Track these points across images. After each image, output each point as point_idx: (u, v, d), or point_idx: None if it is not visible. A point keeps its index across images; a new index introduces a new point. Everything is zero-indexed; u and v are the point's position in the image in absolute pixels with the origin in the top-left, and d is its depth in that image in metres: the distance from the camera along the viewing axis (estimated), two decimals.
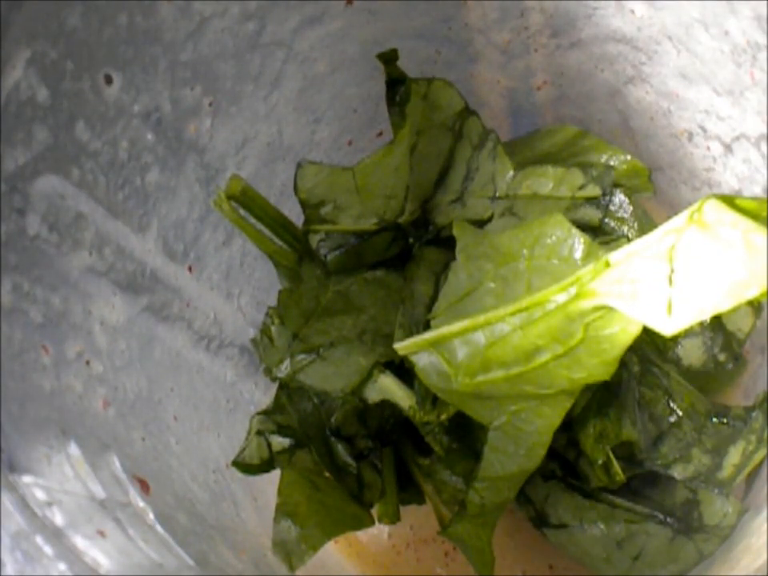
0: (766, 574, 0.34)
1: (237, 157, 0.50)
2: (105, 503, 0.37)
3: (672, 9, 0.47)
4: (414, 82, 0.50)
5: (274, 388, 0.51)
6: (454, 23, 0.53)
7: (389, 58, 0.50)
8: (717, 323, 0.51)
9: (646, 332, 0.37)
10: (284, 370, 0.47)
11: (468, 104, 0.52)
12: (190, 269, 0.49)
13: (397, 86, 0.51)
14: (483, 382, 0.41)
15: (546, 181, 0.50)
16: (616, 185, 0.50)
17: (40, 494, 0.33)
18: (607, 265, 0.37)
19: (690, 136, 0.53)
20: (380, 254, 0.51)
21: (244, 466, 0.47)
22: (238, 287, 0.53)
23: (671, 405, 0.47)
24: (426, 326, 0.45)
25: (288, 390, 0.49)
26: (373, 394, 0.47)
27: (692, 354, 0.50)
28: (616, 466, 0.45)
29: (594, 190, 0.50)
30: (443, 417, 0.45)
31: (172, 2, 0.42)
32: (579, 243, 0.42)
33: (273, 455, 0.48)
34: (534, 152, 0.54)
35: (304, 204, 0.48)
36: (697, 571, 0.45)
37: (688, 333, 0.50)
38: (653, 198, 0.55)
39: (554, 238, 0.42)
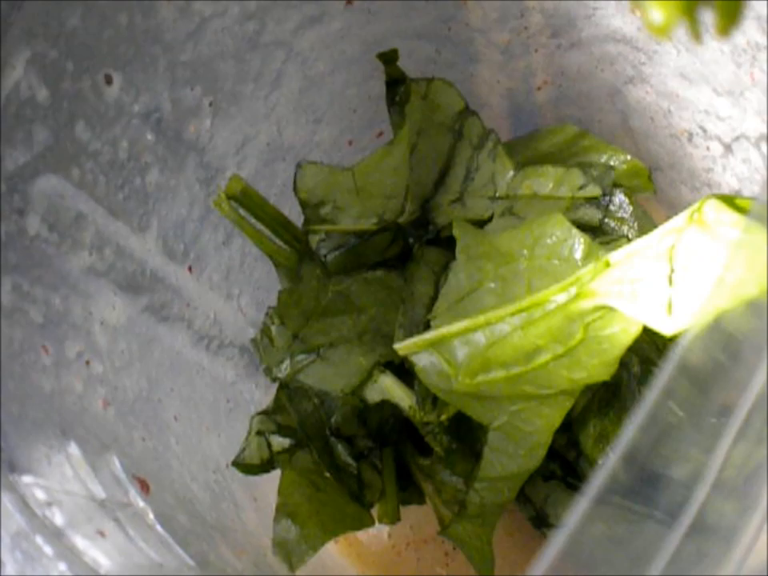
0: (766, 574, 0.34)
1: (237, 157, 0.50)
2: (105, 503, 0.37)
3: None
4: (413, 82, 0.50)
5: (273, 388, 0.51)
6: (454, 23, 0.53)
7: (389, 58, 0.50)
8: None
9: (646, 332, 0.37)
10: (284, 370, 0.47)
11: (468, 104, 0.52)
12: (189, 269, 0.49)
13: (397, 86, 0.51)
14: (483, 382, 0.42)
15: (546, 181, 0.50)
16: (616, 185, 0.50)
17: (40, 494, 0.33)
18: (607, 265, 0.37)
19: (690, 136, 0.53)
20: (380, 253, 0.51)
21: (244, 467, 0.47)
22: (238, 287, 0.53)
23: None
24: (426, 326, 0.45)
25: (288, 389, 0.49)
26: (373, 394, 0.47)
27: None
28: None
29: (593, 190, 0.50)
30: (443, 417, 0.45)
31: (172, 1, 0.42)
32: (579, 243, 0.42)
33: (273, 455, 0.48)
34: (533, 152, 0.54)
35: (304, 204, 0.48)
36: (697, 571, 0.45)
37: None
38: (653, 197, 0.55)
39: (553, 238, 0.42)
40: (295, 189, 0.48)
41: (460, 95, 0.51)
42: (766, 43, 0.42)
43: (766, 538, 0.38)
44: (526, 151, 0.55)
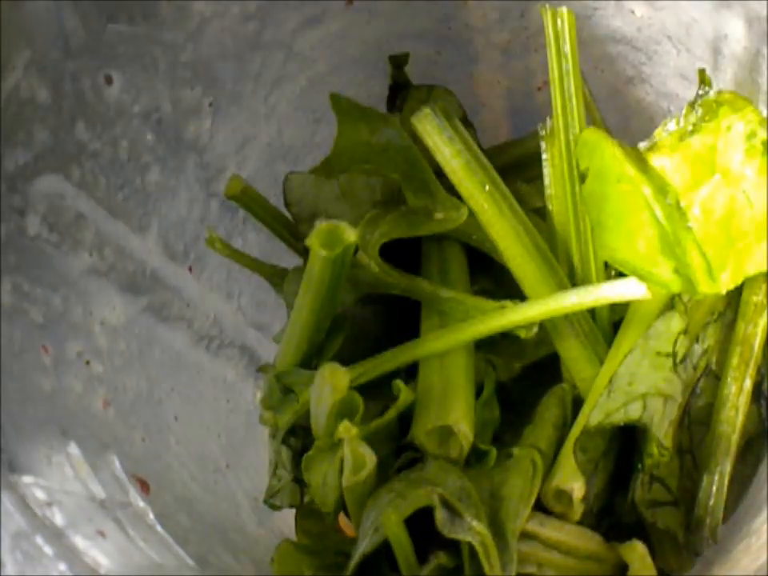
0: (766, 574, 0.34)
1: (237, 157, 0.50)
2: (105, 503, 0.37)
3: (672, 9, 0.47)
4: (415, 88, 0.50)
5: None
6: (454, 23, 0.53)
7: (399, 62, 0.50)
8: None
9: None
10: None
11: (467, 114, 0.52)
12: (190, 269, 0.49)
13: (400, 91, 0.51)
14: None
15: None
16: None
17: (40, 494, 0.33)
18: None
19: None
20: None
21: (272, 506, 0.47)
22: (238, 287, 0.53)
23: None
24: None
25: None
26: None
27: None
28: None
29: None
30: None
31: (172, 1, 0.42)
32: None
33: (303, 502, 0.47)
34: (508, 157, 0.54)
35: (296, 218, 0.48)
36: (696, 571, 0.45)
37: None
38: None
39: None
40: (286, 203, 0.48)
41: (460, 105, 0.52)
42: (765, 45, 0.42)
43: (765, 538, 0.38)
44: (504, 156, 0.54)
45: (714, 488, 0.43)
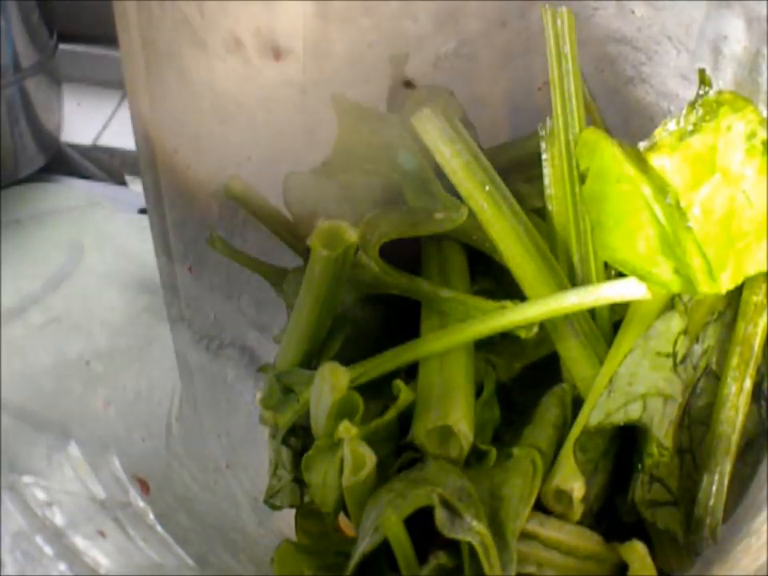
0: (766, 574, 0.34)
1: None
2: (105, 503, 0.37)
3: (672, 9, 0.47)
4: (415, 88, 0.50)
5: None
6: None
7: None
8: None
9: None
10: None
11: (467, 114, 0.52)
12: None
13: (400, 91, 0.51)
14: None
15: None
16: None
17: (40, 494, 0.33)
18: None
19: None
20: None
21: (272, 506, 0.47)
22: (238, 287, 0.53)
23: None
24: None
25: None
26: None
27: None
28: None
29: None
30: None
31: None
32: None
33: (303, 503, 0.46)
34: (507, 157, 0.54)
35: (296, 218, 0.48)
36: (696, 571, 0.45)
37: None
38: None
39: None
40: (286, 203, 0.48)
41: (460, 105, 0.51)
42: (765, 47, 0.42)
43: (765, 538, 0.38)
44: (504, 156, 0.54)
45: (714, 488, 0.42)
